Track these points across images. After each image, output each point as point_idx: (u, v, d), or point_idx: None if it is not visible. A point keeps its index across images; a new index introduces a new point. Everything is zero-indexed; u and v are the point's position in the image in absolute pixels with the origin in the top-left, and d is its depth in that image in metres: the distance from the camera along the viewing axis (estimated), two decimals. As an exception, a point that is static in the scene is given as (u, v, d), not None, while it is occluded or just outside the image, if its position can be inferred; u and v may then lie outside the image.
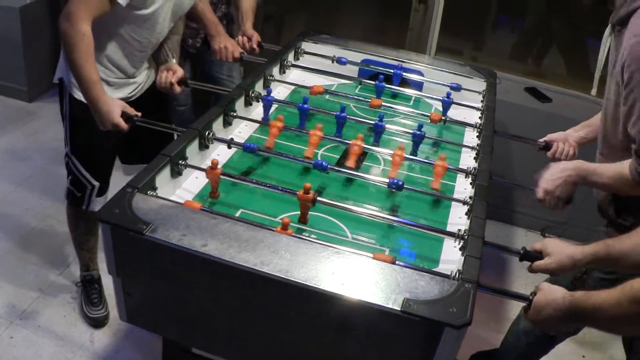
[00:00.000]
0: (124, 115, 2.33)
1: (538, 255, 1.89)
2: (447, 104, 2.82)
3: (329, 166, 2.20)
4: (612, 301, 1.55)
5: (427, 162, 2.37)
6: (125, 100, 2.56)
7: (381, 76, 2.99)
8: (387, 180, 2.15)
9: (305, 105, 2.56)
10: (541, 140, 2.57)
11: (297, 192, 1.97)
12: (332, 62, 3.17)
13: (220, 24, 3.10)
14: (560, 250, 1.85)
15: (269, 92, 2.68)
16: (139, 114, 2.37)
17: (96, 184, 2.66)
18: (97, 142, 2.57)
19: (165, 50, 2.66)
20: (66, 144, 2.64)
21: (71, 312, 3.03)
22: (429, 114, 2.74)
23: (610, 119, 2.08)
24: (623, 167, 1.96)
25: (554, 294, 1.71)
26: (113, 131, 2.35)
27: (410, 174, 2.48)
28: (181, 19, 2.72)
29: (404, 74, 3.12)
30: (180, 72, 2.64)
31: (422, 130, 2.48)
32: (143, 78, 2.67)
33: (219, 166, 2.09)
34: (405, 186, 2.13)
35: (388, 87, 2.99)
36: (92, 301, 3.00)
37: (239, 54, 3.08)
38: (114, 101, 2.35)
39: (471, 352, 2.84)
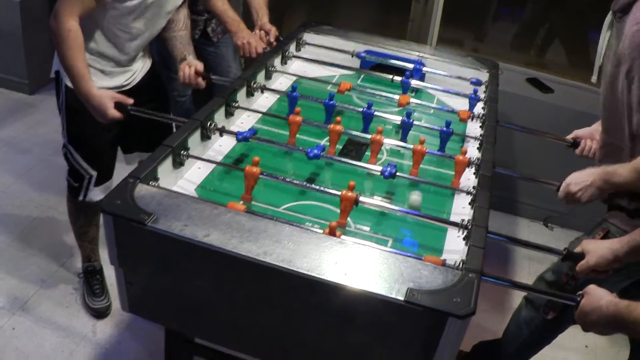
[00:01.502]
0: (118, 105, 2.34)
1: (579, 256, 1.91)
2: (474, 100, 2.81)
3: (322, 154, 2.21)
4: None
5: (447, 155, 2.37)
6: (121, 88, 2.57)
7: (407, 72, 2.96)
8: (380, 168, 2.15)
9: (332, 102, 2.55)
10: (569, 137, 2.55)
11: (340, 192, 1.95)
12: (352, 56, 3.16)
13: (241, 20, 3.07)
14: (598, 245, 1.88)
15: (295, 89, 2.63)
16: (131, 100, 2.38)
17: (94, 173, 2.66)
18: (94, 131, 2.56)
19: (179, 48, 2.67)
20: (63, 135, 2.65)
21: (73, 303, 3.03)
22: (457, 112, 2.72)
23: (605, 102, 2.08)
24: (637, 163, 1.95)
25: (600, 300, 1.71)
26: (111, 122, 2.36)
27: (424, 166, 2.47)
28: (184, 13, 2.71)
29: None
30: (199, 65, 2.63)
31: (450, 127, 2.47)
32: (138, 66, 2.66)
33: (221, 158, 2.08)
34: (418, 178, 2.13)
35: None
36: (95, 292, 3.01)
37: (261, 49, 3.03)
38: (105, 93, 2.35)
39: (474, 341, 2.83)
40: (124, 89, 2.59)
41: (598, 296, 1.72)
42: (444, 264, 1.74)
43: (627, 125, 2.03)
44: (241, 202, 2.01)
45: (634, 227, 2.09)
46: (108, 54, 2.50)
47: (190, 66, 2.62)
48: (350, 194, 1.93)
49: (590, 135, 2.48)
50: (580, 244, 1.94)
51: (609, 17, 2.15)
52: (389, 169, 2.11)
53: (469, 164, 2.27)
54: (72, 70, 2.29)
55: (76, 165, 2.66)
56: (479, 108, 2.79)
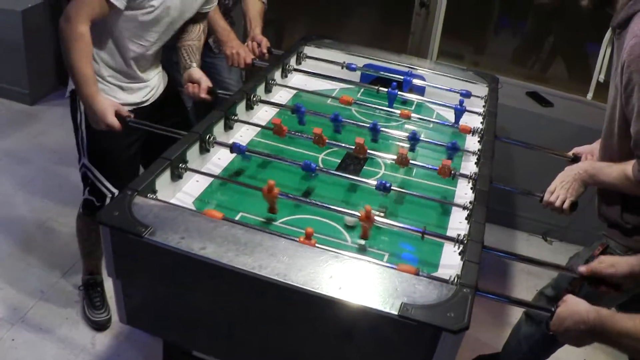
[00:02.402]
0: (117, 116, 2.34)
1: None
2: (459, 112, 2.80)
3: (316, 168, 2.23)
4: (637, 331, 1.58)
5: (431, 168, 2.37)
6: (140, 105, 2.59)
7: (394, 83, 2.97)
8: (375, 183, 2.17)
9: (340, 117, 2.56)
10: (570, 153, 2.57)
11: (359, 213, 1.95)
12: (342, 67, 3.16)
13: (232, 30, 3.11)
14: (617, 260, 1.87)
15: (299, 108, 2.63)
16: (132, 115, 2.40)
17: (115, 191, 2.64)
18: (116, 148, 2.57)
19: (184, 56, 2.68)
20: (82, 154, 2.62)
21: (73, 315, 3.03)
22: (459, 126, 2.73)
23: (608, 122, 2.09)
24: (627, 167, 1.97)
25: (578, 306, 1.71)
26: (110, 131, 2.36)
27: (413, 178, 2.48)
28: (199, 27, 2.74)
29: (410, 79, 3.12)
30: (204, 83, 2.65)
31: (456, 145, 2.49)
32: (156, 82, 2.68)
33: (220, 171, 2.09)
34: (405, 190, 2.13)
35: (400, 95, 2.98)
36: (95, 304, 3.01)
37: (250, 59, 3.09)
38: (108, 101, 2.36)
39: (472, 355, 2.84)
40: (144, 105, 2.61)
41: (576, 303, 1.72)
42: (417, 273, 1.74)
43: (617, 141, 2.05)
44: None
45: (633, 243, 2.11)
46: (123, 68, 2.50)
47: (193, 82, 2.65)
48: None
49: (591, 152, 2.49)
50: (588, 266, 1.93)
51: (608, 34, 2.17)
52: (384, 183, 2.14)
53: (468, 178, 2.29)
54: (78, 72, 2.28)
55: (98, 184, 2.63)
56: (477, 123, 2.80)
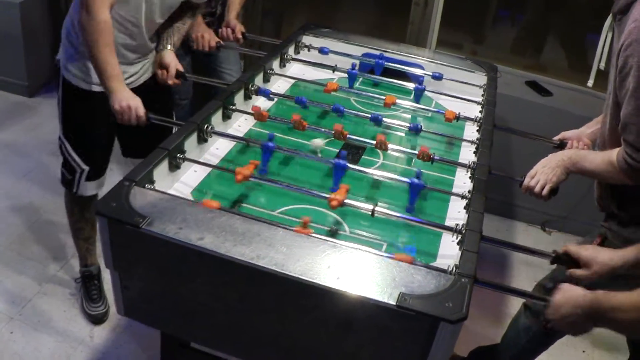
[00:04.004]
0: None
1: (567, 259, 1.89)
2: (419, 91, 2.87)
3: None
4: (631, 304, 1.56)
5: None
6: None
7: (353, 63, 3.07)
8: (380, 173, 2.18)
9: (342, 108, 2.59)
10: (555, 138, 2.56)
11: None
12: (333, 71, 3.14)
13: (200, 15, 3.13)
14: (597, 260, 1.83)
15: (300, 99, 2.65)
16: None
17: (85, 167, 2.65)
18: (89, 126, 2.57)
19: (162, 37, 2.67)
20: (59, 127, 2.65)
21: (71, 308, 3.03)
22: (444, 112, 2.72)
23: (605, 109, 2.08)
24: (612, 154, 1.96)
25: (573, 291, 1.70)
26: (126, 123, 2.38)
27: (410, 167, 2.48)
28: (189, 13, 2.73)
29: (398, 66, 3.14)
30: (173, 68, 2.64)
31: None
32: (137, 69, 2.64)
33: (218, 161, 2.08)
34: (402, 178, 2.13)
35: (368, 77, 3.09)
36: (92, 298, 3.00)
37: (214, 42, 3.15)
38: (136, 97, 2.37)
39: (471, 347, 2.83)
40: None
41: (571, 289, 1.71)
42: (413, 262, 1.73)
43: (608, 128, 2.04)
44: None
45: (630, 234, 2.10)
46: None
47: (162, 67, 2.64)
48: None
49: (578, 137, 2.49)
50: (577, 249, 1.92)
51: (608, 20, 2.15)
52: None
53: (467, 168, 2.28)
54: (106, 67, 2.28)
55: (69, 158, 2.66)
56: (476, 112, 2.79)
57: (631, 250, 1.81)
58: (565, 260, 1.89)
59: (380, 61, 3.14)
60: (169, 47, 2.66)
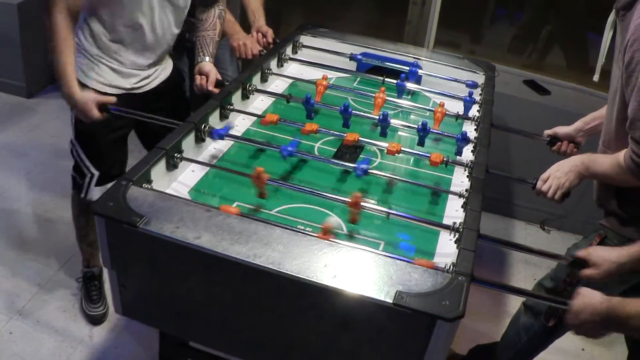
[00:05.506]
0: (101, 105, 2.39)
1: (584, 262, 1.92)
2: (469, 103, 2.80)
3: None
4: None
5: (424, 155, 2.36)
6: (131, 90, 2.58)
7: (402, 75, 2.94)
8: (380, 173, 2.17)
9: (349, 109, 2.53)
10: (548, 132, 2.58)
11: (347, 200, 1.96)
12: (350, 59, 3.17)
13: (236, 22, 3.12)
14: (605, 258, 1.88)
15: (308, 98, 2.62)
16: (113, 99, 2.43)
17: (96, 172, 2.65)
18: (101, 131, 2.56)
19: (197, 48, 2.69)
20: (72, 131, 2.65)
21: (70, 308, 3.03)
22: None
23: (609, 107, 2.08)
24: (619, 155, 1.96)
25: (592, 298, 1.73)
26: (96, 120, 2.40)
27: (408, 166, 2.48)
28: (213, 12, 2.72)
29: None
30: (213, 76, 2.64)
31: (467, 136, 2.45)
32: (151, 72, 2.64)
33: (216, 161, 2.08)
34: (400, 178, 2.12)
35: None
36: (92, 298, 3.01)
37: (257, 50, 3.14)
38: (88, 96, 2.38)
39: (470, 345, 2.83)
40: (134, 91, 2.60)
41: (590, 295, 1.74)
42: (434, 267, 1.73)
43: (614, 126, 2.04)
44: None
45: (630, 233, 2.10)
46: (109, 49, 2.49)
47: (201, 75, 2.64)
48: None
49: (569, 136, 2.49)
50: (587, 250, 1.94)
51: (611, 17, 2.15)
52: (362, 166, 2.15)
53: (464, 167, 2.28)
54: (57, 66, 2.33)
55: (80, 162, 2.66)
56: (474, 111, 2.79)
57: (636, 246, 1.86)
58: (578, 263, 1.93)
59: (415, 69, 3.08)
60: (206, 58, 2.67)
